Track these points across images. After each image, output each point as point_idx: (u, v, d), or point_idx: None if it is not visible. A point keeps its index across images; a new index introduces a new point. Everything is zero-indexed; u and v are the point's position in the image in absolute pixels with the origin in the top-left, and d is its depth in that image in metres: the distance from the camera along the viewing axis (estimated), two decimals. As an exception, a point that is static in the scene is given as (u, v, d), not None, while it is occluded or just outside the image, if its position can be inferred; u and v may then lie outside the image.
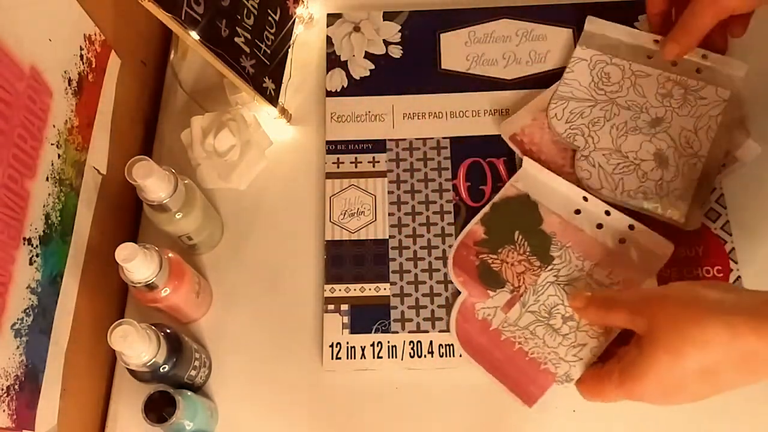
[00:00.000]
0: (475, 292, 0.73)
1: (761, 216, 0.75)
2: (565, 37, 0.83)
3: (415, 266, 0.75)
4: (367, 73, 0.84)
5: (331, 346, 0.72)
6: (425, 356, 0.71)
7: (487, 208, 0.76)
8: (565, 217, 0.74)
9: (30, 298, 0.60)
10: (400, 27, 0.86)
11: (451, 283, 0.74)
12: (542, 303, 0.71)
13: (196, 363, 0.68)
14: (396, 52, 0.85)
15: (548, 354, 0.69)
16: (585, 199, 0.74)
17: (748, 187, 0.76)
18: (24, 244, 0.59)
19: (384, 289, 0.74)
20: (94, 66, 0.70)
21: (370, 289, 0.74)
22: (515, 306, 0.71)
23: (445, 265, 0.75)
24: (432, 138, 0.80)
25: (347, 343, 0.72)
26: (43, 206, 0.62)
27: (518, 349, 0.70)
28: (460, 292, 0.73)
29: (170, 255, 0.66)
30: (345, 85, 0.84)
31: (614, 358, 0.63)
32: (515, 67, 0.83)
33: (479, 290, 0.73)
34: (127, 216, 0.81)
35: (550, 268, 0.72)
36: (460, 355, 0.71)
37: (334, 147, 0.80)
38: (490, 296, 0.72)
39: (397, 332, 0.72)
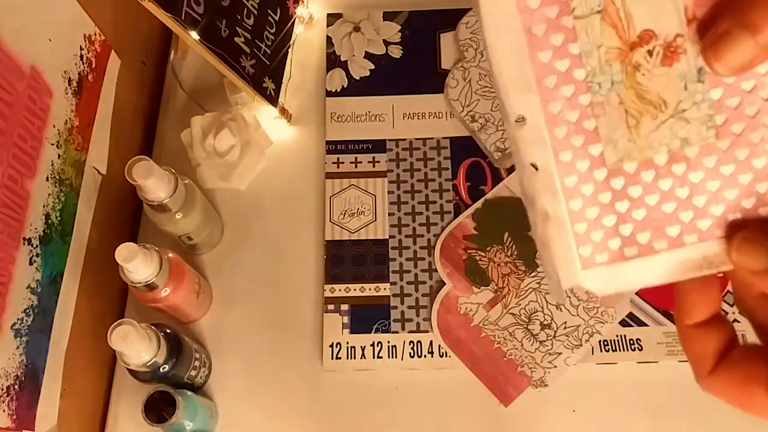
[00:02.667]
0: (460, 285, 0.73)
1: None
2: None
3: (415, 266, 0.75)
4: (367, 73, 0.84)
5: (331, 346, 0.72)
6: (425, 356, 0.72)
7: (479, 204, 0.76)
8: None
9: (30, 298, 0.60)
10: (400, 27, 0.86)
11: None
12: (523, 307, 0.72)
13: (196, 363, 0.68)
14: (396, 52, 0.85)
15: (525, 357, 0.70)
16: None
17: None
18: (24, 244, 0.59)
19: (384, 289, 0.74)
20: (94, 66, 0.70)
21: (370, 289, 0.74)
22: (497, 306, 0.72)
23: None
24: (432, 138, 0.80)
25: (347, 343, 0.72)
26: (43, 206, 0.62)
27: (496, 348, 0.71)
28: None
29: (170, 255, 0.66)
30: (345, 85, 0.84)
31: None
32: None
33: (464, 284, 0.73)
34: (127, 216, 0.80)
35: (534, 274, 0.73)
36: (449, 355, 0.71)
37: (334, 147, 0.80)
38: (474, 292, 0.73)
39: (397, 332, 0.72)
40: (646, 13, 0.30)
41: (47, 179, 0.62)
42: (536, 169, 0.32)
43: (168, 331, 0.64)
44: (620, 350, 0.70)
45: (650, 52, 0.31)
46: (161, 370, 0.62)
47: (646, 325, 0.71)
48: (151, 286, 0.63)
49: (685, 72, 0.31)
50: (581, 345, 0.70)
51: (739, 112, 0.31)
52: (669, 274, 0.33)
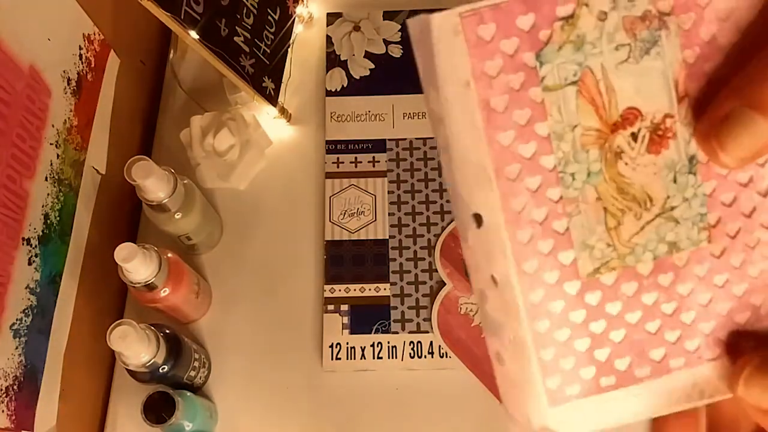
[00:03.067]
0: (461, 285, 0.73)
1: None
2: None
3: (416, 266, 0.74)
4: (367, 73, 0.84)
5: (331, 346, 0.72)
6: (425, 357, 0.71)
7: None
8: None
9: (29, 299, 0.60)
10: (400, 26, 0.85)
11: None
12: None
13: (196, 363, 0.68)
14: (396, 51, 0.84)
15: None
16: None
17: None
18: (23, 244, 0.58)
19: (384, 290, 0.74)
20: (93, 65, 0.70)
21: (370, 290, 0.74)
22: None
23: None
24: (432, 138, 0.80)
25: (347, 343, 0.72)
26: (42, 206, 0.62)
27: None
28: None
29: (169, 255, 0.66)
30: (345, 85, 0.83)
31: None
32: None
33: (465, 284, 0.73)
34: (127, 216, 0.80)
35: None
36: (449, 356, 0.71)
37: (333, 147, 0.80)
38: None
39: (397, 333, 0.72)
40: (631, 87, 0.25)
41: (46, 179, 0.62)
42: (495, 284, 0.26)
43: (167, 331, 0.64)
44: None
45: (634, 136, 0.25)
46: (160, 370, 0.62)
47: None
48: (150, 287, 0.63)
49: (674, 161, 0.26)
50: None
51: (734, 210, 0.26)
52: (653, 407, 0.28)
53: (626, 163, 0.26)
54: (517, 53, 0.24)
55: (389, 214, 0.77)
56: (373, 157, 0.79)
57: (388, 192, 0.78)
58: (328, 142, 0.81)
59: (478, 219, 0.26)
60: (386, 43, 0.85)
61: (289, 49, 0.84)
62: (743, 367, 0.26)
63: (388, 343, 0.72)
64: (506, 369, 0.27)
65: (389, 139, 0.80)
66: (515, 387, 0.27)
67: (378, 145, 0.80)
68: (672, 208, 0.26)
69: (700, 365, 0.28)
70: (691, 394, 0.28)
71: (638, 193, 0.26)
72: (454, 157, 0.25)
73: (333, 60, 0.85)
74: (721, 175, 0.26)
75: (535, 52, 0.24)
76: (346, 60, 0.85)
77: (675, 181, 0.26)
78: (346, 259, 0.75)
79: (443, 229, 0.76)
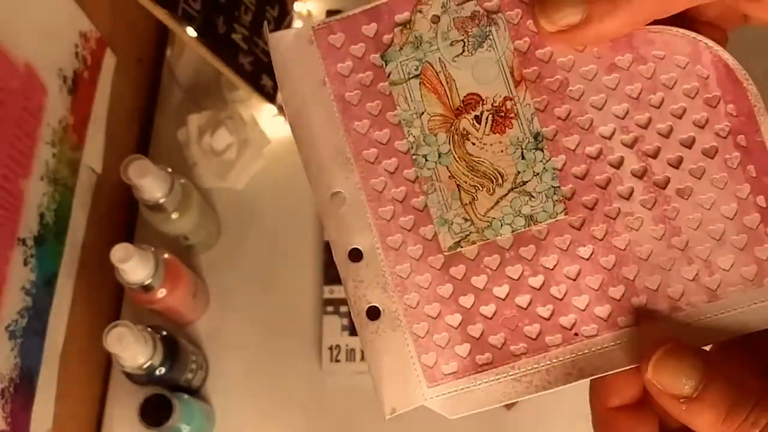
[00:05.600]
0: None
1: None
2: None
3: (416, 267, 0.74)
4: (367, 71, 0.83)
5: (330, 348, 0.72)
6: (425, 358, 0.71)
7: None
8: None
9: (24, 300, 0.59)
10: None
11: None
12: None
13: (193, 365, 0.68)
14: (395, 49, 0.84)
15: None
16: None
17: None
18: (18, 244, 0.58)
19: (384, 290, 0.73)
20: (89, 63, 0.69)
21: (369, 290, 0.73)
22: None
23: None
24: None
25: (347, 345, 0.72)
26: (38, 206, 0.61)
27: None
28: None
29: (166, 256, 0.66)
30: (344, 83, 0.83)
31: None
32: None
33: None
34: (123, 216, 0.80)
35: None
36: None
37: (332, 146, 0.80)
38: None
39: (397, 334, 0.72)
40: (469, 76, 0.28)
41: (42, 179, 0.61)
42: (361, 256, 0.29)
43: (164, 333, 0.64)
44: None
45: (478, 119, 0.28)
46: (157, 372, 0.62)
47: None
48: (147, 288, 0.63)
49: (520, 139, 0.28)
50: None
51: (588, 183, 0.28)
52: (533, 386, 0.28)
53: (473, 143, 0.28)
54: (365, 55, 0.29)
55: (389, 214, 0.76)
56: (373, 157, 0.79)
57: (388, 192, 0.77)
58: (327, 141, 0.80)
59: (340, 198, 0.29)
60: (386, 41, 0.84)
61: (288, 47, 0.83)
62: (653, 351, 0.26)
63: (388, 344, 0.71)
64: (369, 340, 0.29)
65: (389, 138, 0.80)
66: (377, 361, 0.29)
67: (377, 145, 0.79)
68: (524, 183, 0.28)
69: (577, 342, 0.28)
70: (571, 372, 0.28)
71: (488, 170, 0.28)
72: (315, 145, 0.29)
73: (332, 58, 0.84)
74: (569, 150, 0.28)
75: (380, 54, 0.29)
76: (346, 58, 0.84)
77: (523, 157, 0.28)
78: (346, 260, 0.75)
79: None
